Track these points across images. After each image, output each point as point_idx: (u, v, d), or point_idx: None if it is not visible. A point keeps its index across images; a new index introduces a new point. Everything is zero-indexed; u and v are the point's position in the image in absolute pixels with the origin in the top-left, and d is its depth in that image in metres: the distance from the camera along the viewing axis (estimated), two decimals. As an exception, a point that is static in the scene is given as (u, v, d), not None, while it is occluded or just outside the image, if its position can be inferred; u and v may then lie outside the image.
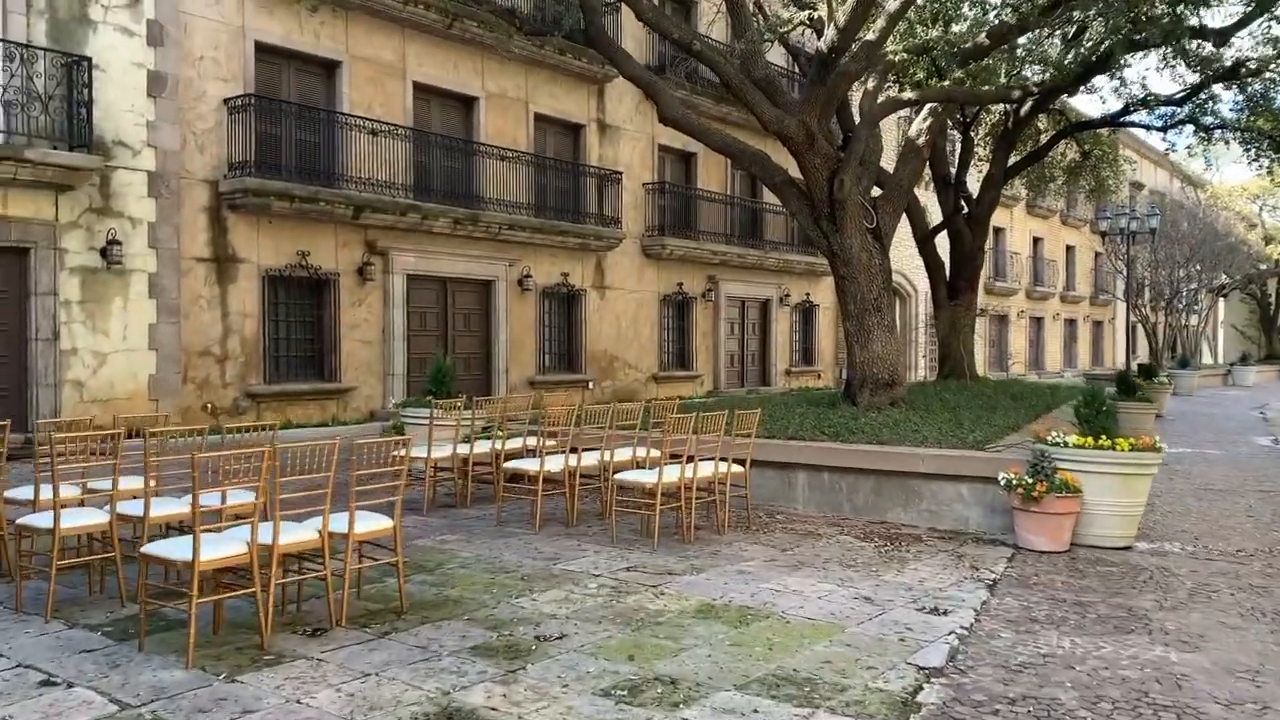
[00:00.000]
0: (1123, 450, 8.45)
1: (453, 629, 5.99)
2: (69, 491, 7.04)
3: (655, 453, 9.26)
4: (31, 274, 13.36)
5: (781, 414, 12.58)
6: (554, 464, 9.16)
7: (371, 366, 17.67)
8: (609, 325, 22.81)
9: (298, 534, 5.90)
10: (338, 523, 6.15)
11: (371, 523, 6.33)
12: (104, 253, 13.92)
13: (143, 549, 5.56)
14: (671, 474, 8.45)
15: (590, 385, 22.15)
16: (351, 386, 17.27)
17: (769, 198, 25.44)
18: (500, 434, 11.11)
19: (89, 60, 13.55)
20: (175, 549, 5.40)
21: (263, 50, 16.28)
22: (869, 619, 6.33)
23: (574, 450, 9.33)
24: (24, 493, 7.24)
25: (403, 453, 6.46)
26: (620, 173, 22.50)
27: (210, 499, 6.63)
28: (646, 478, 8.41)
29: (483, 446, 10.44)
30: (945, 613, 6.50)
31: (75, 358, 13.76)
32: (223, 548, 5.47)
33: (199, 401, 15.36)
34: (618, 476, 8.61)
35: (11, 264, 13.31)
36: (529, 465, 9.15)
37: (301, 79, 17.14)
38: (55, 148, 13.26)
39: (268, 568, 5.61)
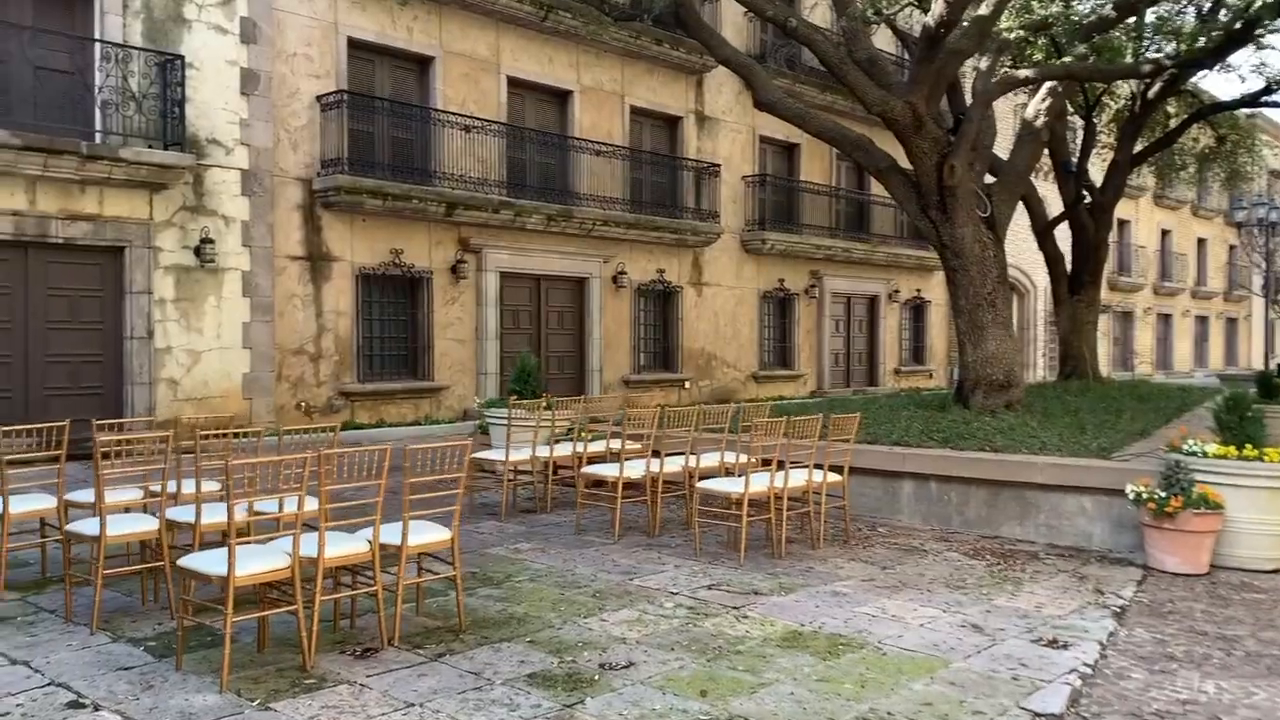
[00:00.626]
0: (1273, 461, 7.47)
1: (512, 652, 5.49)
2: (127, 496, 6.78)
3: (746, 458, 8.63)
4: (126, 273, 13.45)
5: (886, 417, 11.79)
6: (635, 469, 8.62)
7: (465, 365, 17.43)
8: (706, 323, 22.19)
9: (346, 546, 5.48)
10: (391, 534, 5.71)
11: (428, 534, 5.88)
12: (198, 251, 13.95)
13: (179, 561, 5.20)
14: (760, 482, 7.82)
15: (687, 385, 21.58)
16: (445, 385, 17.06)
17: (877, 189, 24.47)
18: (584, 435, 10.63)
19: (182, 59, 13.57)
20: (211, 562, 5.03)
21: (355, 46, 16.17)
22: (977, 652, 5.59)
23: (657, 455, 8.76)
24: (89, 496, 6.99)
25: (464, 457, 5.99)
26: (719, 165, 21.86)
27: (267, 505, 6.29)
28: (732, 487, 7.79)
29: (567, 449, 9.97)
30: (1065, 646, 5.72)
31: (169, 356, 13.80)
32: (262, 561, 5.07)
33: (293, 400, 15.31)
34: (701, 485, 8.01)
35: (107, 263, 13.41)
36: (608, 471, 8.62)
37: (395, 75, 17.00)
38: (150, 146, 13.31)
39: (312, 583, 5.19)
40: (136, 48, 13.23)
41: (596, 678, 5.09)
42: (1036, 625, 6.14)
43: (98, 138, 13.13)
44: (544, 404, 11.44)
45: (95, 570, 5.79)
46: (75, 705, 4.70)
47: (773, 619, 6.18)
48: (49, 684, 4.97)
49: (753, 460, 8.05)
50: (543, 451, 9.75)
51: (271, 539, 5.69)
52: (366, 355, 16.33)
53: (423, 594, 6.33)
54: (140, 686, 4.93)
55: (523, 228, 18.05)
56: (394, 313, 16.80)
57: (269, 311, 14.86)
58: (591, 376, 19.61)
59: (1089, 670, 5.32)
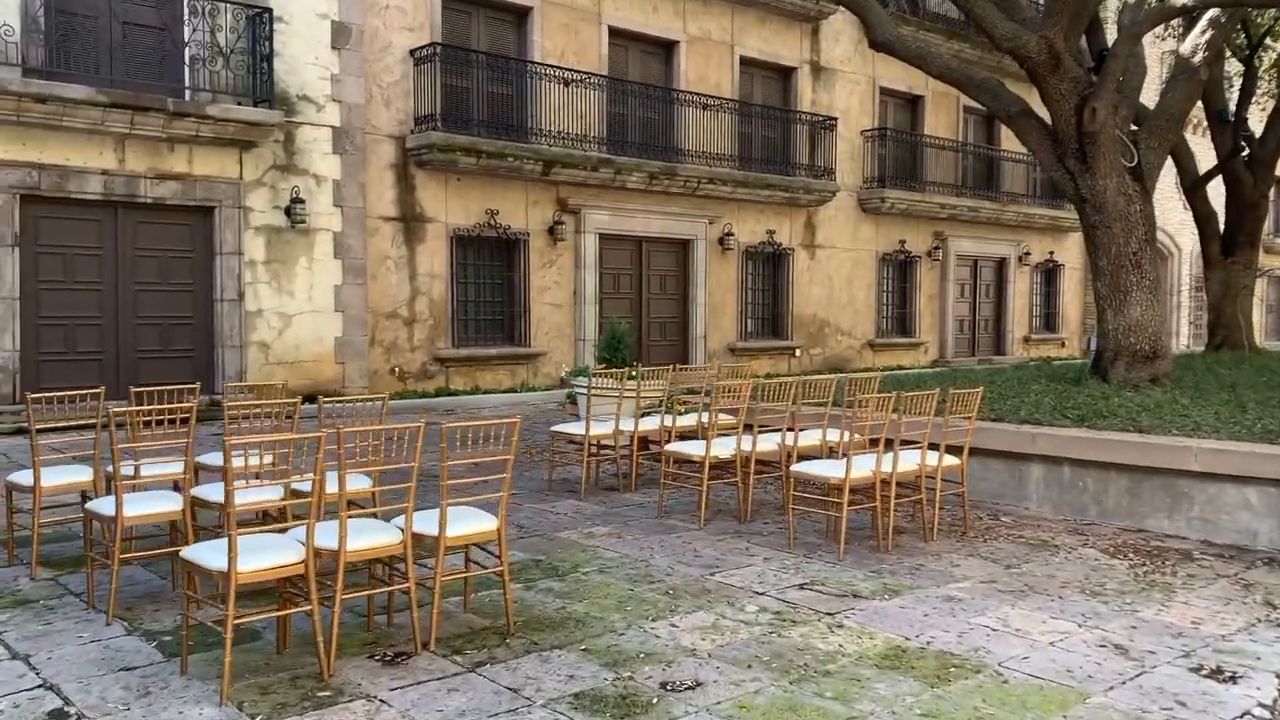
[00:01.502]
0: None
1: (562, 663, 4.74)
2: (160, 470, 6.27)
3: (851, 436, 7.68)
4: (216, 233, 13.17)
5: (1014, 390, 10.63)
6: (725, 447, 7.76)
7: (562, 331, 16.78)
8: (819, 287, 21.05)
9: (372, 537, 4.79)
10: (427, 523, 5.01)
11: (470, 523, 5.16)
12: (288, 211, 13.59)
13: (182, 553, 4.60)
14: (864, 466, 6.87)
15: (797, 353, 20.53)
16: (541, 351, 16.46)
17: (1008, 143, 22.83)
18: (678, 408, 9.82)
19: (271, 12, 13.13)
20: (211, 555, 4.40)
21: (449, -3, 15.55)
22: (1120, 682, 4.59)
23: (750, 429, 7.88)
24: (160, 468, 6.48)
25: (511, 436, 5.24)
26: (835, 119, 20.61)
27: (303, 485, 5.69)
28: (831, 470, 6.87)
29: (656, 423, 9.17)
30: (1233, 678, 4.66)
31: (260, 319, 13.51)
32: (271, 555, 4.42)
33: (386, 365, 14.92)
34: (796, 468, 7.10)
35: (197, 223, 13.16)
36: (693, 449, 7.78)
37: (491, 27, 16.33)
38: (239, 103, 12.95)
39: (334, 576, 4.53)
40: (225, 1, 12.84)
41: (654, 701, 4.30)
42: (1195, 648, 5.07)
43: (186, 95, 12.83)
44: (633, 373, 10.66)
45: (113, 554, 5.26)
46: (59, 714, 4.14)
47: (872, 630, 5.28)
48: (40, 685, 4.43)
49: (857, 439, 7.10)
50: (627, 425, 8.97)
51: (287, 528, 5.05)
52: (461, 320, 15.84)
53: (470, 588, 5.62)
54: (136, 693, 4.35)
55: (624, 186, 17.24)
56: (489, 276, 16.25)
57: (361, 274, 14.45)
58: (695, 344, 18.76)
59: (1266, 713, 4.27)
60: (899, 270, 23.01)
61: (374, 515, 5.29)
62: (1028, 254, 25.63)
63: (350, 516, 4.71)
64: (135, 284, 12.75)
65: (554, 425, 9.20)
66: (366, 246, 14.56)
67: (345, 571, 4.58)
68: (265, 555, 4.41)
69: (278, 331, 13.70)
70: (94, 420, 6.62)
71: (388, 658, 4.80)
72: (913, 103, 23.12)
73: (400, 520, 5.05)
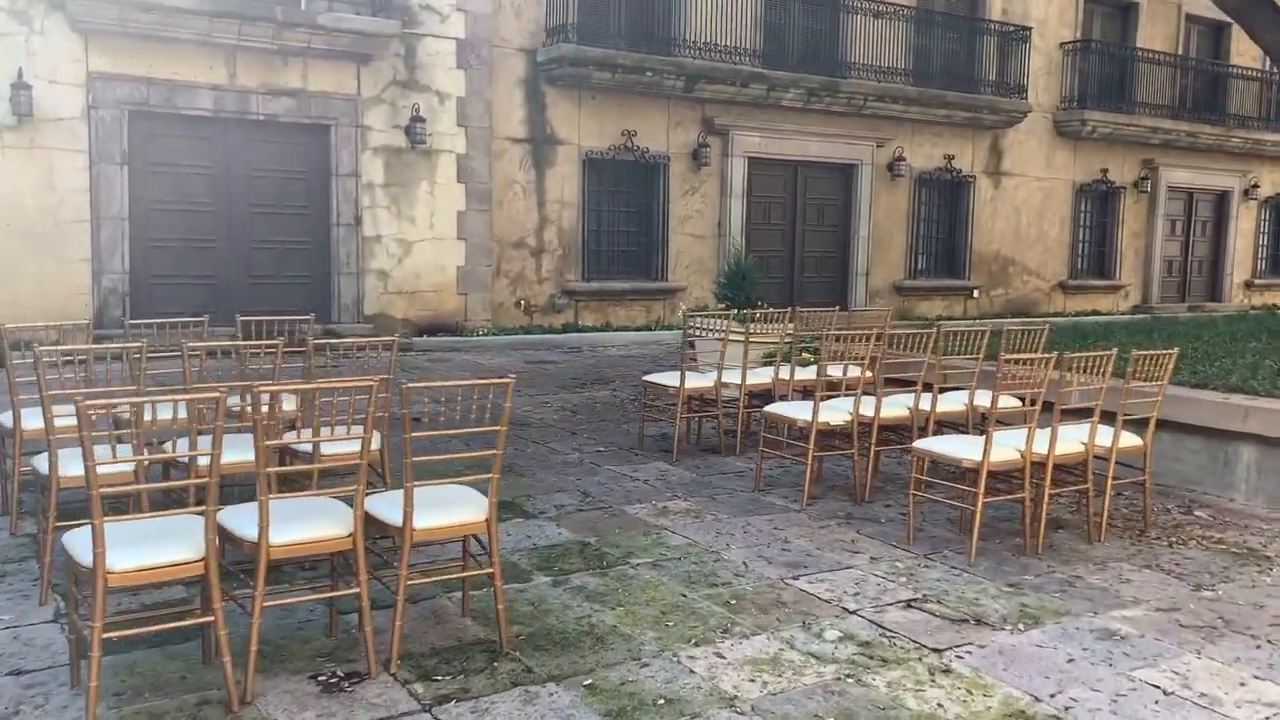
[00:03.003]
0: None
1: (551, 706, 3.56)
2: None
3: (1009, 402, 6.09)
4: (333, 153, 12.47)
5: (1224, 348, 8.68)
6: (840, 411, 6.32)
7: (704, 264, 15.44)
8: (1004, 220, 18.82)
9: (312, 527, 3.70)
10: (392, 509, 3.89)
11: (449, 511, 4.00)
12: (409, 131, 12.74)
13: (64, 539, 3.61)
14: (1009, 445, 5.33)
15: (975, 294, 18.47)
16: (679, 287, 15.20)
17: (1240, 56, 19.70)
18: (804, 357, 8.41)
19: (388, -88, 12.14)
20: (81, 546, 3.38)
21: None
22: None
23: (877, 390, 6.40)
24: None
25: (505, 400, 4.05)
26: (1029, 29, 18.15)
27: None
28: (964, 450, 5.35)
29: (779, 374, 7.79)
30: None
31: (379, 245, 12.80)
32: (162, 548, 3.39)
33: (512, 298, 14.03)
34: (923, 444, 5.61)
35: (313, 142, 12.49)
36: (795, 411, 6.37)
37: (633, -72, 14.87)
38: (357, 13, 12.08)
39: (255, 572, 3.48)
40: (340, -98, 11.95)
41: (648, 786, 3.06)
42: None
43: (301, 3, 12.06)
44: (760, 315, 9.27)
45: (48, 521, 4.38)
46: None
47: (989, 681, 3.85)
48: (-98, 689, 3.60)
49: (1005, 407, 5.56)
50: (731, 377, 7.62)
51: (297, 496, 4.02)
52: (593, 251, 14.73)
53: (470, 586, 4.49)
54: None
55: (778, 105, 15.59)
56: (625, 203, 15.03)
57: (486, 199, 13.51)
58: (855, 282, 17.03)
59: None
60: (1098, 203, 20.37)
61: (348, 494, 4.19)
62: (1255, 186, 22.32)
63: (289, 496, 3.63)
64: (250, 205, 12.21)
65: (647, 376, 7.96)
66: (492, 170, 13.59)
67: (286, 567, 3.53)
68: (151, 548, 3.38)
69: (397, 259, 12.97)
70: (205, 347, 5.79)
71: (332, 680, 3.74)
72: (1124, 11, 20.22)
73: (380, 501, 3.96)
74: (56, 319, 11.11)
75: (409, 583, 3.89)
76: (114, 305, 11.32)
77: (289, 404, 5.56)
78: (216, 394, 3.42)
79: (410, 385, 3.85)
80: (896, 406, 6.60)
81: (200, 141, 11.85)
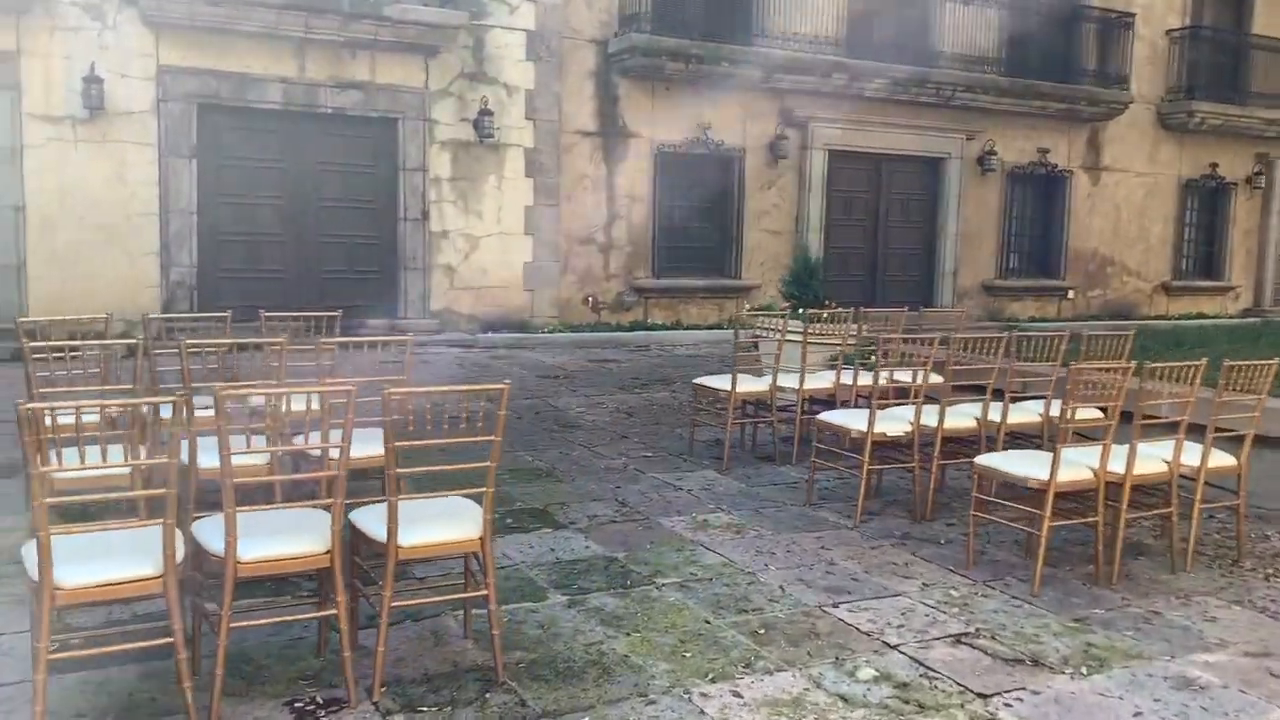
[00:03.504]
0: None
1: (534, 751, 3.22)
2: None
3: (1091, 414, 5.53)
4: (400, 147, 12.35)
5: (1338, 356, 7.85)
6: (898, 421, 5.84)
7: (779, 261, 14.94)
8: (1103, 218, 17.87)
9: (285, 543, 3.42)
10: (378, 523, 3.58)
11: (439, 527, 3.68)
12: (476, 124, 12.54)
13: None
14: (1081, 463, 4.81)
15: (1071, 295, 17.59)
16: (754, 284, 14.74)
17: (1363, 42, 18.35)
18: (876, 360, 7.91)
19: (457, -98, 11.94)
20: (30, 559, 3.15)
21: (662, -120, 13.78)
22: None
23: (941, 398, 5.90)
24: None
25: (501, 404, 3.72)
26: (1133, 16, 17.20)
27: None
28: (1031, 468, 4.84)
29: (846, 378, 7.30)
30: None
31: (445, 240, 12.65)
32: (114, 564, 3.14)
33: (579, 294, 13.75)
34: (985, 461, 5.10)
35: (381, 135, 12.38)
36: (849, 420, 5.90)
37: (711, -86, 14.44)
38: (426, 5, 11.93)
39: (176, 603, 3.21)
40: (409, -108, 11.79)
41: None
42: None
43: (369, -3, 11.94)
44: (828, 315, 8.79)
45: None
46: None
47: (1040, 739, 3.38)
48: None
49: (1079, 419, 5.04)
50: (787, 381, 7.18)
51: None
52: (664, 247, 14.35)
53: (471, 610, 4.16)
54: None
55: (861, 95, 15.00)
56: (697, 198, 14.62)
57: (554, 194, 13.25)
58: (942, 281, 16.32)
59: None
60: (1206, 200, 19.20)
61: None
62: (1384, 182, 20.77)
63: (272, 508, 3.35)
64: (317, 200, 12.16)
65: (699, 379, 7.55)
66: (561, 164, 13.33)
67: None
68: (105, 563, 3.13)
69: (463, 254, 12.79)
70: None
71: (309, 708, 3.46)
72: (1239, -5, 19.01)
73: (365, 516, 3.67)
74: (127, 314, 11.23)
75: (397, 604, 3.59)
76: (181, 299, 11.37)
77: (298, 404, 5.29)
78: (349, 388, 3.31)
79: (393, 391, 3.53)
80: (963, 417, 6.10)
81: (268, 135, 11.83)
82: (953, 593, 4.70)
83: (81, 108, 10.65)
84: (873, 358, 8.06)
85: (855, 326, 8.86)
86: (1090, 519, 4.89)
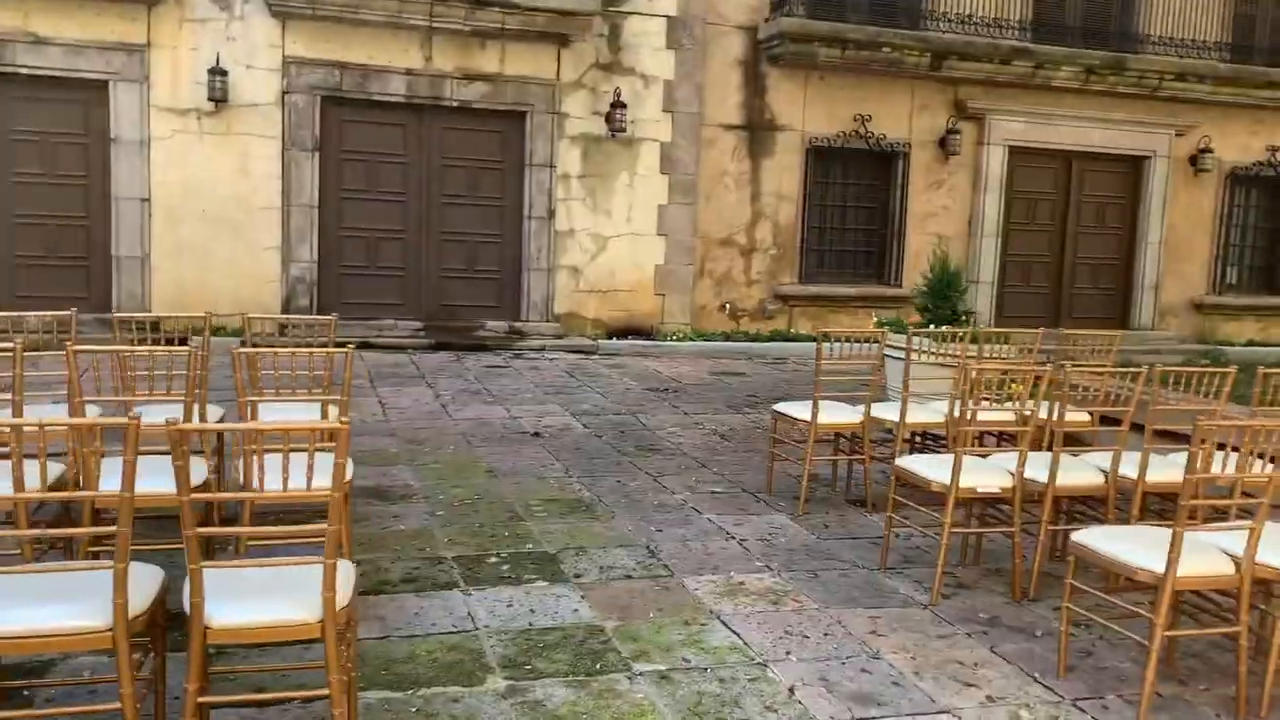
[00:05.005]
0: None
1: None
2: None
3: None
4: (528, 141, 11.77)
5: None
6: (993, 474, 4.60)
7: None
8: (1347, 226, 15.26)
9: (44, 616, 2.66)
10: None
11: (264, 606, 2.83)
12: (608, 118, 11.79)
13: None
14: (1217, 550, 3.50)
15: (1303, 315, 15.11)
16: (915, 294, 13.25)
17: None
18: (1013, 389, 6.61)
19: (591, -120, 11.23)
20: None
21: None
22: None
23: (1049, 445, 4.63)
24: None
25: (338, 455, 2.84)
26: (1391, -12, 14.55)
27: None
28: (1140, 553, 3.55)
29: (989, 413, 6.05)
30: None
31: (572, 240, 11.98)
32: None
33: (716, 300, 12.81)
34: (1083, 540, 3.81)
35: (508, 129, 11.84)
36: (929, 469, 4.68)
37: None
38: (556, -9, 11.26)
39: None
40: None
41: None
42: None
43: (498, -17, 11.40)
44: (967, 334, 7.51)
45: None
46: None
47: None
48: None
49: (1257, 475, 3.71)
50: (884, 412, 6.01)
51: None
52: (814, 250, 13.17)
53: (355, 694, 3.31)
54: None
55: (1047, 85, 13.30)
56: (854, 198, 13.34)
57: (691, 192, 12.33)
58: (1141, 296, 14.32)
59: None
60: None
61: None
62: None
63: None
64: (441, 196, 11.73)
65: (778, 405, 6.45)
66: (700, 160, 12.39)
67: None
68: None
69: (590, 255, 12.07)
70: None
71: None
72: None
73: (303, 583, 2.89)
74: (247, 307, 11.11)
75: (206, 700, 2.78)
76: (300, 294, 11.17)
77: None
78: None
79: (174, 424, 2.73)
80: (1086, 469, 4.78)
81: (393, 129, 11.48)
82: (1024, 715, 3.50)
83: (206, 100, 10.59)
84: (1016, 385, 6.75)
85: (1003, 348, 7.59)
86: (1232, 629, 3.56)
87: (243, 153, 10.88)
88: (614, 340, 11.87)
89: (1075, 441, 5.23)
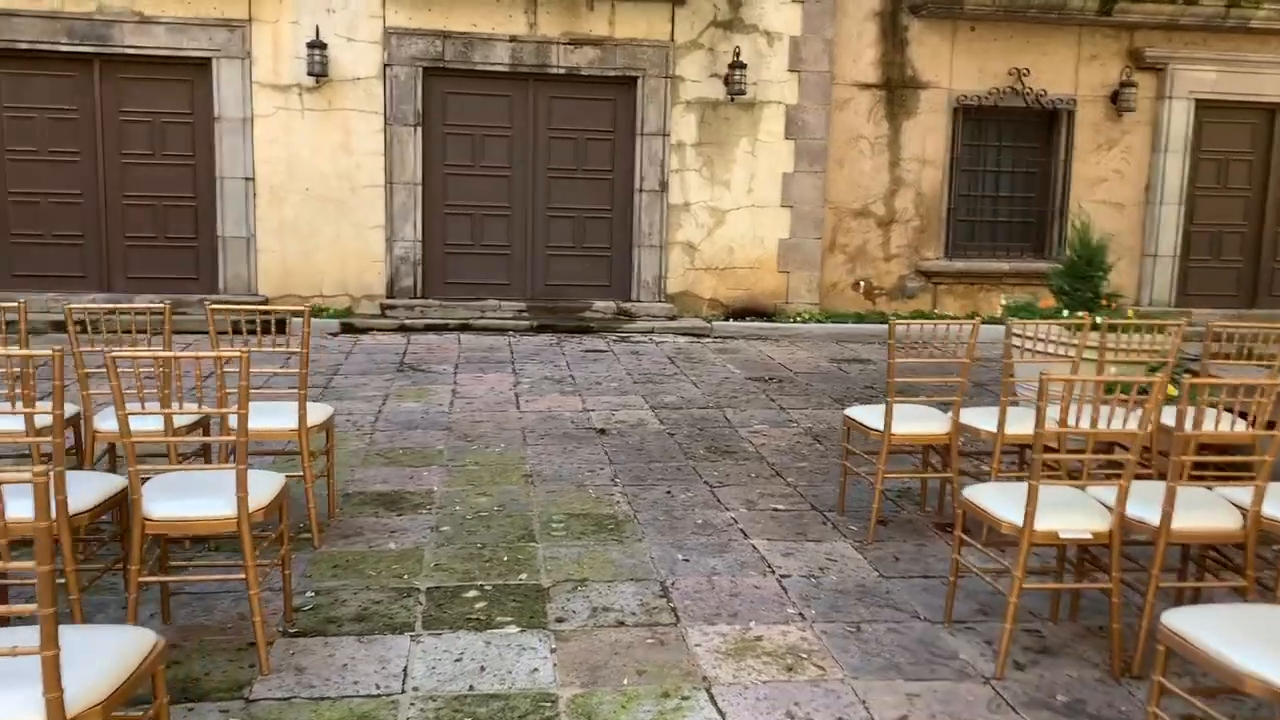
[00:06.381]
0: None
1: None
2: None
3: None
4: (639, 109, 10.99)
5: None
6: (1084, 513, 3.54)
7: (1120, 241, 11.88)
8: None
9: None
10: None
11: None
12: (727, 80, 10.86)
13: None
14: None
15: None
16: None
17: None
18: (1174, 392, 5.42)
19: None
20: None
21: None
22: None
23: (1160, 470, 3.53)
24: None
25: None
26: None
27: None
28: (1253, 650, 2.48)
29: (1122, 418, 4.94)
30: None
31: (686, 214, 11.15)
32: None
33: (849, 278, 11.72)
34: (1172, 622, 2.75)
35: (620, 96, 11.11)
36: (999, 505, 3.63)
37: None
38: (673, -56, 10.41)
39: None
40: None
41: None
42: None
43: (606, -61, 10.64)
44: (1094, 320, 6.29)
45: None
46: None
47: None
48: None
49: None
50: (978, 420, 4.95)
51: None
52: (961, 221, 11.83)
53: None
54: None
55: (1245, 28, 11.45)
56: (1008, 161, 11.91)
57: (820, 159, 11.25)
58: (1356, 272, 12.26)
59: None
60: None
61: None
62: None
63: None
64: (548, 169, 11.10)
65: (850, 409, 5.44)
66: (830, 123, 11.28)
67: None
68: None
69: (706, 230, 11.20)
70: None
71: None
72: None
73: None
74: (351, 288, 10.88)
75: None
76: (405, 275, 10.81)
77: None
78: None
79: None
80: (1217, 507, 3.64)
81: (497, 99, 10.92)
82: None
83: (306, 75, 10.31)
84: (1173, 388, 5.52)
85: (1163, 338, 6.36)
86: None
87: (344, 129, 10.57)
88: (730, 322, 10.98)
89: (1224, 466, 4.07)
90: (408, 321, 10.51)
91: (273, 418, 4.59)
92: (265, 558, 3.82)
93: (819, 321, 11.11)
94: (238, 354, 3.14)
